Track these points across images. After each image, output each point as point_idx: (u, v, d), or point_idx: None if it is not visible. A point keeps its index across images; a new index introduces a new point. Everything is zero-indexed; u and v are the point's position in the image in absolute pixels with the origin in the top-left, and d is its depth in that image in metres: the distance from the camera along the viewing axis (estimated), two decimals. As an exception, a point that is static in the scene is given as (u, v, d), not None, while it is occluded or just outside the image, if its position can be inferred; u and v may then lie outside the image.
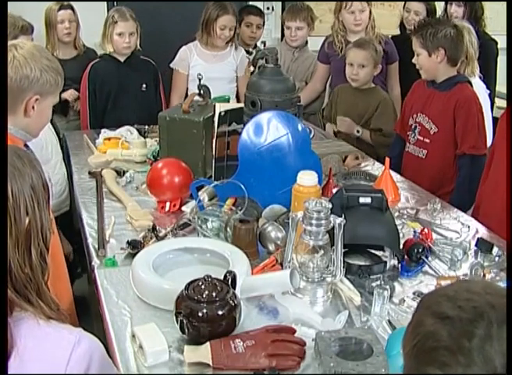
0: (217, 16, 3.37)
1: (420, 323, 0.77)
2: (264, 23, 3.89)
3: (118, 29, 3.21)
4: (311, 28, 3.70)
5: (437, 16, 3.61)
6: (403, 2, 3.84)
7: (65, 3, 3.56)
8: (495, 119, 3.12)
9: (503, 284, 1.68)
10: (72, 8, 3.57)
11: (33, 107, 1.70)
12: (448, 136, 2.65)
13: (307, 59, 3.75)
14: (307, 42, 3.79)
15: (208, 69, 3.30)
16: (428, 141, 2.71)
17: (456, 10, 3.49)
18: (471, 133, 2.59)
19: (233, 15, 3.41)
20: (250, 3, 4.46)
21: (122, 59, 3.32)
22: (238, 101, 3.43)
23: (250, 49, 3.77)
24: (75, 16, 3.58)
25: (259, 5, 4.34)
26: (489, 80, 3.46)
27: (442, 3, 3.70)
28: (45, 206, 1.14)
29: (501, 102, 3.74)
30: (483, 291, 0.75)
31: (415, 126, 2.77)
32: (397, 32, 3.83)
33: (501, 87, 3.65)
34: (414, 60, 2.68)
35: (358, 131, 3.07)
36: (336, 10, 3.45)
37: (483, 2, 3.54)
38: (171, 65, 3.51)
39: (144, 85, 3.39)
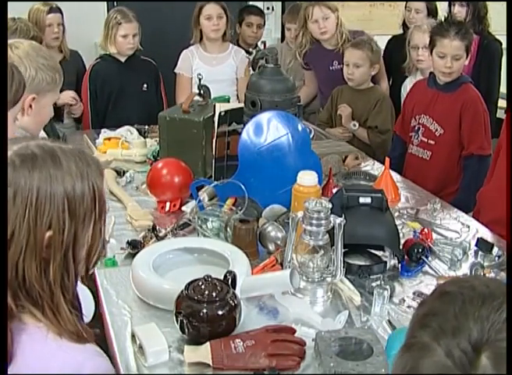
0: (200, 8, 3.36)
1: (422, 304, 0.78)
2: (264, 22, 3.90)
3: (122, 31, 3.21)
4: None
5: (438, 15, 3.61)
6: (403, 2, 3.83)
7: (54, 5, 3.40)
8: (498, 120, 3.13)
9: (503, 284, 1.68)
10: (60, 11, 3.42)
11: (30, 106, 1.70)
12: (454, 137, 2.64)
13: None
14: None
15: (209, 71, 3.30)
16: (432, 142, 2.70)
17: (460, 10, 3.49)
18: (478, 133, 2.59)
19: (217, 3, 3.35)
20: (250, 3, 4.47)
21: (122, 59, 3.33)
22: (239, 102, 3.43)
23: (251, 49, 3.77)
24: (62, 19, 3.43)
25: (259, 5, 4.34)
26: (493, 80, 3.47)
27: (443, 3, 3.70)
28: (90, 222, 1.01)
29: (501, 102, 3.74)
30: (486, 280, 0.77)
31: (418, 128, 2.75)
32: (398, 32, 3.82)
33: (501, 87, 3.64)
34: (446, 66, 2.55)
35: (355, 125, 3.07)
36: (300, 26, 3.38)
37: (486, 2, 3.54)
38: (175, 70, 3.50)
39: (145, 85, 3.40)
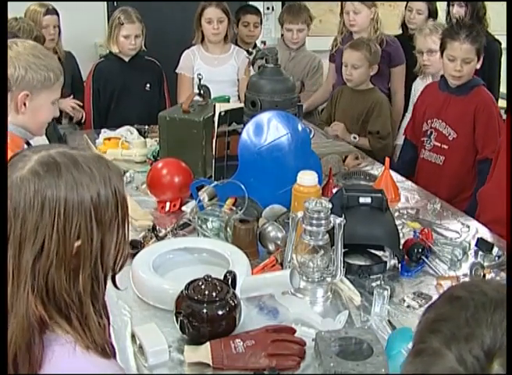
0: (201, 11, 3.36)
1: (429, 309, 0.77)
2: (261, 21, 3.89)
3: (124, 31, 3.21)
4: (309, 28, 3.72)
5: (439, 16, 3.61)
6: (403, 2, 3.83)
7: (51, 7, 3.38)
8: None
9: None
10: (57, 13, 3.40)
11: (24, 104, 1.70)
12: (468, 141, 2.59)
13: (303, 59, 3.75)
14: (304, 42, 3.79)
15: (211, 72, 3.30)
16: (446, 147, 2.64)
17: (459, 11, 3.49)
18: (493, 137, 2.52)
19: (218, 7, 3.35)
20: (250, 3, 4.46)
21: (126, 59, 3.33)
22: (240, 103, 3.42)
23: (250, 49, 3.76)
24: (58, 21, 3.41)
25: (259, 5, 4.33)
26: (493, 80, 3.46)
27: (443, 3, 3.70)
28: (114, 228, 0.99)
29: (501, 102, 3.74)
30: (496, 285, 0.76)
31: (431, 132, 2.70)
32: (398, 32, 3.83)
33: (501, 87, 3.64)
34: (456, 70, 2.52)
35: (355, 138, 3.06)
36: (340, 13, 3.50)
37: (485, 2, 3.54)
38: (177, 70, 3.50)
39: (148, 85, 3.39)
